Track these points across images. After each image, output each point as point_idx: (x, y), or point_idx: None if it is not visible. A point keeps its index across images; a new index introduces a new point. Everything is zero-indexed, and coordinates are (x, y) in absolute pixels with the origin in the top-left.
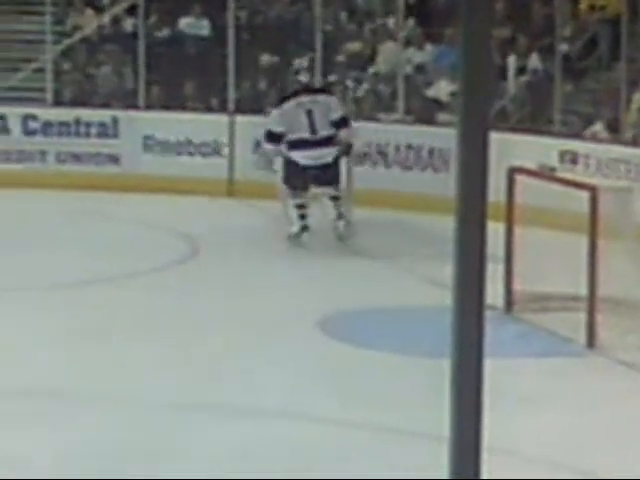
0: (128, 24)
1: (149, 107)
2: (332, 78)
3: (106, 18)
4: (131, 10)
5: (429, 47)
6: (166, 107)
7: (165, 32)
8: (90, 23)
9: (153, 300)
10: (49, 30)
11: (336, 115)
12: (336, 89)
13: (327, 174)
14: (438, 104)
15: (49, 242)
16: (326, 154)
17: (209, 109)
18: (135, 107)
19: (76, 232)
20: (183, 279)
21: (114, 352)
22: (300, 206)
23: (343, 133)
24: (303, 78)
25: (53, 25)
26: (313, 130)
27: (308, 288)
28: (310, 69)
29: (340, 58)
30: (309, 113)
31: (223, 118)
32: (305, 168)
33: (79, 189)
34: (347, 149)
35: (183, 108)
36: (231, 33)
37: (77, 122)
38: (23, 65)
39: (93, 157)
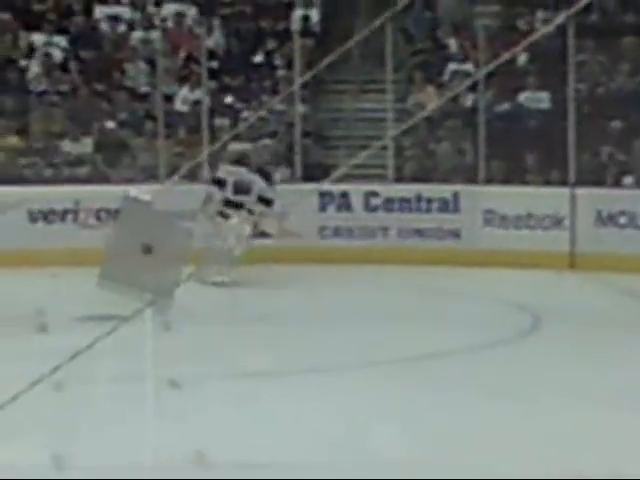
0: (468, 99)
1: (489, 181)
2: None
3: (447, 95)
4: (471, 86)
5: None
6: (506, 181)
7: (505, 106)
8: (431, 100)
9: (499, 373)
10: (391, 108)
11: None
12: None
13: None
14: None
15: (394, 317)
16: None
17: (549, 182)
18: (475, 182)
19: (419, 307)
20: (527, 353)
21: (467, 422)
22: None
23: None
24: None
25: (395, 103)
26: None
27: None
28: None
29: None
30: None
31: (564, 191)
32: None
33: (421, 264)
34: None
35: (523, 182)
36: (571, 105)
37: (418, 198)
38: (365, 143)
39: (434, 232)
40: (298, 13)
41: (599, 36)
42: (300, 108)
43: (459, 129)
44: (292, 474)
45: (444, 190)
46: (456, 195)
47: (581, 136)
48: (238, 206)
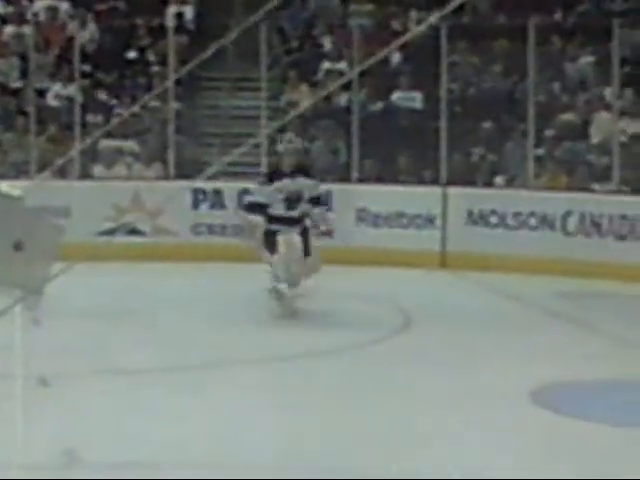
0: (341, 98)
1: (362, 180)
2: (544, 149)
3: (320, 94)
4: (345, 85)
5: None
6: (379, 180)
7: (378, 105)
8: (305, 99)
9: (368, 372)
10: (265, 106)
11: None
12: (548, 160)
13: None
14: None
15: (263, 316)
16: None
17: (422, 181)
18: (348, 180)
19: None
20: (397, 351)
21: (328, 424)
22: None
23: None
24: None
25: (269, 101)
26: None
27: (519, 359)
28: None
29: (553, 128)
30: None
31: (436, 190)
32: None
33: None
34: None
35: (396, 181)
36: (444, 105)
37: None
38: (239, 140)
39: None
40: (172, 10)
41: (471, 38)
42: (174, 105)
43: (332, 128)
44: (164, 474)
45: None
46: (329, 193)
47: (453, 136)
48: (293, 222)
